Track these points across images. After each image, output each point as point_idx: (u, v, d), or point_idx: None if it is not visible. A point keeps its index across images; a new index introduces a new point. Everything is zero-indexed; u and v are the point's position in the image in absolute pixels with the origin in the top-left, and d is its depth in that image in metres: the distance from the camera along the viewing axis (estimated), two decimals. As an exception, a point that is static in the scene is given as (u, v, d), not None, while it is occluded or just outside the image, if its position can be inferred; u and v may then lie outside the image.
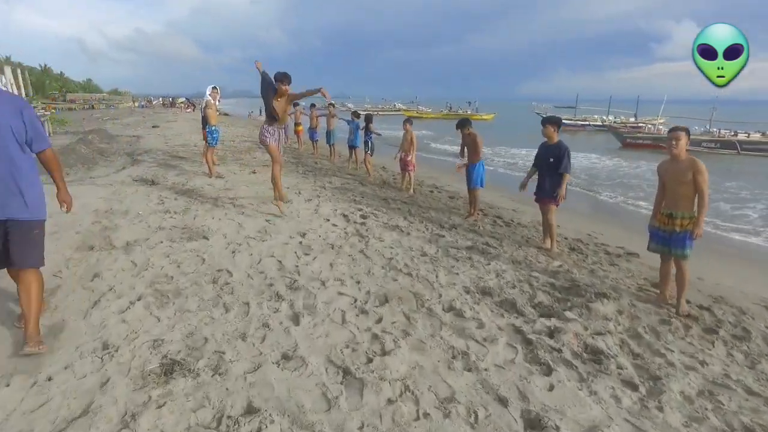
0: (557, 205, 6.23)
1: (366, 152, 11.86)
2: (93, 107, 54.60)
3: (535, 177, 6.47)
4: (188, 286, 4.22)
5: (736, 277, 6.10)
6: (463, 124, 7.95)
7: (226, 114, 49.58)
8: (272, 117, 6.74)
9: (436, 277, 4.81)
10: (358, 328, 3.60)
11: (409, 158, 10.11)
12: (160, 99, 74.20)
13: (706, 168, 4.32)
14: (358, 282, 4.53)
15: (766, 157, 26.39)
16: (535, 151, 6.56)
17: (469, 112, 59.06)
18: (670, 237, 4.56)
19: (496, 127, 44.82)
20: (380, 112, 62.41)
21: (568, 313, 4.08)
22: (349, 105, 73.09)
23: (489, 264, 5.35)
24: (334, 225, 6.64)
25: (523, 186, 6.57)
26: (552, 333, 3.69)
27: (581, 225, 8.62)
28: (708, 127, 30.99)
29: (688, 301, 4.65)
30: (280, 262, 5.00)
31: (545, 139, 6.33)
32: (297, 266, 4.89)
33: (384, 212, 7.79)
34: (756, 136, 28.85)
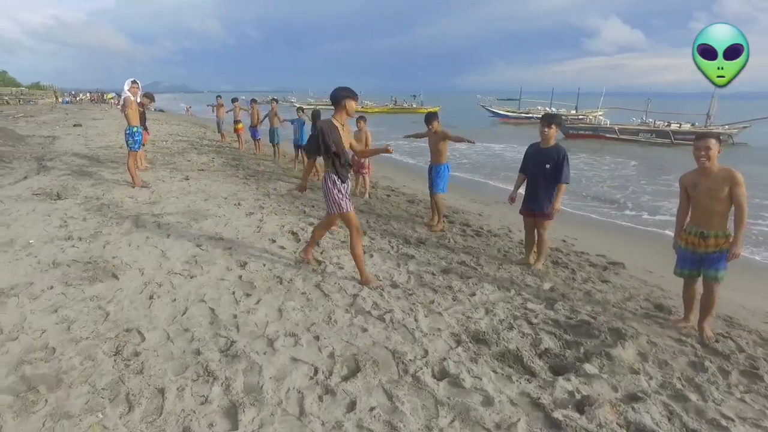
0: (552, 218, 5.40)
1: (313, 154, 10.71)
2: (7, 102, 48.90)
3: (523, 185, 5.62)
4: (76, 366, 2.97)
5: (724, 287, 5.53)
6: (431, 118, 7.00)
7: (161, 111, 46.44)
8: (345, 165, 4.49)
9: (416, 320, 3.83)
10: (323, 425, 2.55)
11: (364, 159, 9.10)
12: (88, 94, 68.58)
13: (743, 178, 3.62)
14: (317, 337, 3.47)
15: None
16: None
17: (414, 106, 58.68)
18: (701, 258, 3.89)
19: (442, 120, 44.36)
20: (323, 107, 60.78)
21: (588, 367, 3.23)
22: (292, 99, 70.71)
23: (473, 295, 4.43)
24: (282, 248, 5.51)
25: (513, 199, 5.65)
26: (581, 405, 2.80)
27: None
28: (644, 119, 32.01)
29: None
30: (212, 310, 3.85)
31: (537, 141, 5.46)
32: (235, 316, 3.76)
33: (339, 225, 6.73)
34: (686, 127, 29.97)
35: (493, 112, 47.58)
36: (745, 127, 28.94)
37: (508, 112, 47.57)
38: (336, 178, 4.39)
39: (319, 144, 4.24)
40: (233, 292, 4.19)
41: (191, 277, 4.48)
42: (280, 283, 4.44)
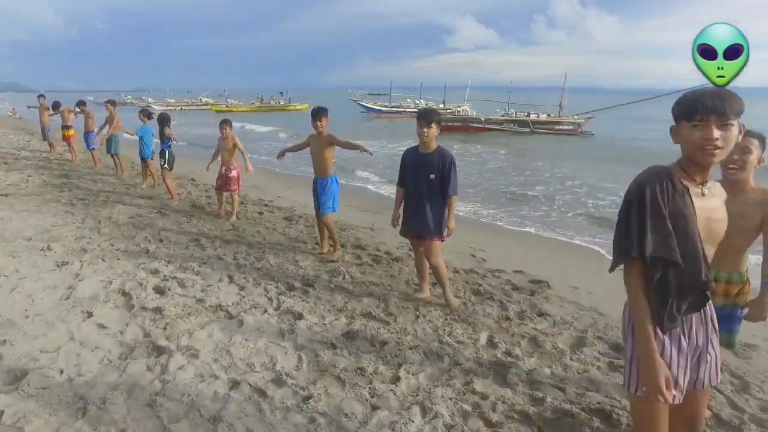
0: (443, 240, 4.26)
1: (162, 166, 8.54)
2: None
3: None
4: None
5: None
6: (319, 114, 5.46)
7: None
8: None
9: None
10: None
11: (233, 173, 7.25)
12: None
13: None
14: None
15: (551, 134, 29.67)
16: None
17: (281, 103, 56.13)
18: None
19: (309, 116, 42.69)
20: (185, 107, 55.44)
21: None
22: (149, 99, 63.27)
23: (397, 380, 3.03)
24: (102, 327, 3.62)
25: (396, 218, 4.45)
26: None
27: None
28: (507, 110, 33.80)
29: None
30: None
31: (415, 145, 4.25)
32: None
33: (197, 269, 4.95)
34: (543, 117, 32.22)
35: (365, 107, 47.16)
36: (590, 118, 31.83)
37: (380, 106, 47.53)
38: None
39: None
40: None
41: None
42: (84, 415, 2.62)
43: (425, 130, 4.01)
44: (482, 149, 21.96)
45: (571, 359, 3.47)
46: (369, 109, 46.40)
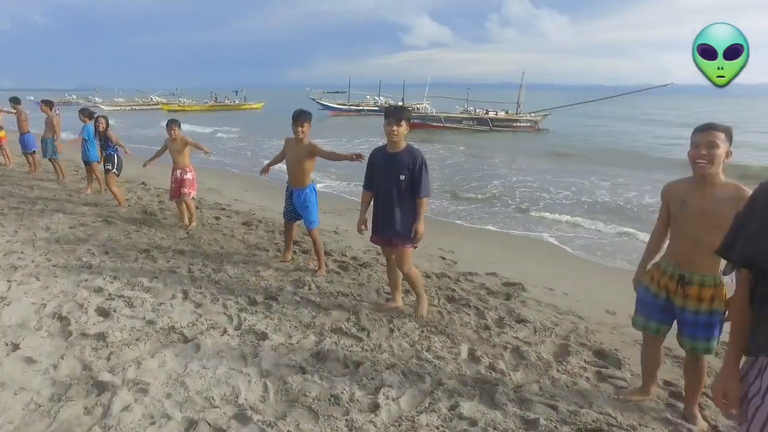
0: (415, 247, 3.99)
1: (110, 170, 7.89)
2: None
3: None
4: None
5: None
6: (302, 118, 4.85)
7: None
8: None
9: None
10: None
11: (188, 176, 6.68)
12: None
13: None
14: None
15: (510, 131, 30.15)
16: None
17: (236, 102, 54.62)
18: (675, 313, 2.68)
19: (268, 117, 41.82)
20: (135, 108, 53.05)
21: None
22: (96, 99, 60.04)
23: (377, 408, 2.72)
24: (31, 361, 3.12)
25: (363, 223, 4.18)
26: None
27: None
28: (466, 107, 34.03)
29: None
30: None
31: (383, 143, 3.96)
32: None
33: (147, 285, 4.48)
34: (502, 114, 32.65)
35: (323, 105, 46.50)
36: (546, 115, 32.49)
37: (339, 104, 46.99)
38: None
39: None
40: None
41: None
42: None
43: (394, 128, 3.72)
44: (440, 147, 21.99)
45: (558, 371, 3.27)
46: (327, 108, 45.79)
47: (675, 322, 2.73)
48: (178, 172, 6.67)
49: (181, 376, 2.95)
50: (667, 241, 2.76)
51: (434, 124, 30.46)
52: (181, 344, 3.35)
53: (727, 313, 2.48)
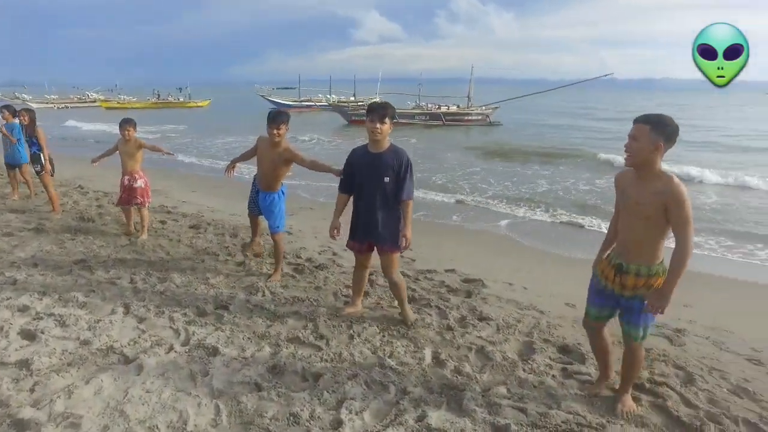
0: (401, 253, 3.83)
1: (39, 172, 7.26)
2: None
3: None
4: None
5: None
6: (280, 119, 4.45)
7: None
8: None
9: None
10: None
11: (139, 183, 6.08)
12: None
13: (687, 195, 2.41)
14: None
15: (463, 125, 30.53)
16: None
17: (181, 100, 52.53)
18: (617, 300, 2.70)
19: (215, 115, 40.50)
20: (70, 105, 49.95)
21: None
22: (24, 96, 55.98)
23: (338, 429, 2.51)
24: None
25: (337, 228, 3.87)
26: None
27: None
28: (418, 102, 34.14)
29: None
30: None
31: (363, 144, 3.76)
32: None
33: (82, 300, 4.08)
34: (453, 108, 32.98)
35: (273, 102, 45.49)
36: (496, 108, 33.09)
37: (289, 101, 46.10)
38: None
39: None
40: None
41: None
42: None
43: (378, 126, 3.47)
44: (395, 142, 21.90)
45: (524, 370, 3.20)
46: (277, 105, 44.84)
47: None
48: (127, 178, 6.06)
49: (120, 403, 2.65)
50: None
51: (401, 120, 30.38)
52: (121, 366, 3.04)
53: (646, 303, 2.54)
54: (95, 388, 2.77)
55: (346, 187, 3.82)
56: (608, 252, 2.82)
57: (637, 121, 2.47)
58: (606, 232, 2.99)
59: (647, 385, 3.04)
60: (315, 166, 4.58)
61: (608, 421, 2.65)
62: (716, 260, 6.99)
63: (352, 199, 3.82)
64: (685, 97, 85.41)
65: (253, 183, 4.97)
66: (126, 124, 5.97)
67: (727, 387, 3.14)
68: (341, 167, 3.95)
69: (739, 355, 3.74)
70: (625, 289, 2.61)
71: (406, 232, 3.65)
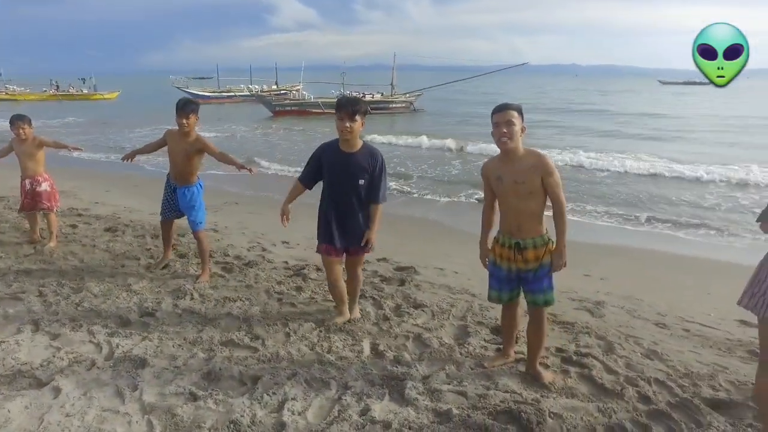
0: (369, 252, 3.73)
1: None
2: None
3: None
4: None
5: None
6: (188, 109, 4.31)
7: None
8: None
9: None
10: None
11: (43, 187, 5.49)
12: None
13: (554, 164, 2.81)
14: None
15: (387, 114, 30.74)
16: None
17: (84, 91, 48.38)
18: (519, 277, 2.94)
19: (125, 107, 37.80)
20: None
21: None
22: None
23: (283, 429, 2.50)
24: None
25: (286, 214, 3.71)
26: None
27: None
28: (342, 91, 33.90)
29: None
30: None
31: (333, 140, 3.52)
32: None
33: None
34: (378, 96, 33.10)
35: (191, 93, 43.16)
36: (419, 95, 33.63)
37: (208, 92, 43.98)
38: None
39: None
40: None
41: None
42: None
43: (348, 124, 3.24)
44: (313, 133, 21.62)
45: (461, 354, 3.31)
46: (195, 96, 42.65)
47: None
48: (28, 182, 5.45)
49: (35, 432, 2.42)
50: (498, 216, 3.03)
51: (314, 110, 29.86)
52: (33, 391, 2.76)
53: (553, 263, 2.85)
54: (2, 420, 2.50)
55: (306, 179, 3.60)
56: (491, 238, 3.06)
57: (505, 107, 2.77)
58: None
59: (574, 357, 3.25)
60: (224, 158, 4.59)
61: (542, 396, 2.80)
62: (619, 232, 7.67)
63: (321, 200, 3.61)
64: (596, 83, 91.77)
65: (167, 183, 4.74)
66: (18, 121, 5.35)
67: (641, 351, 3.43)
68: (245, 162, 4.19)
69: (648, 321, 4.10)
70: (529, 263, 2.85)
71: (372, 235, 3.51)
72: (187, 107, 4.31)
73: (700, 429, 2.54)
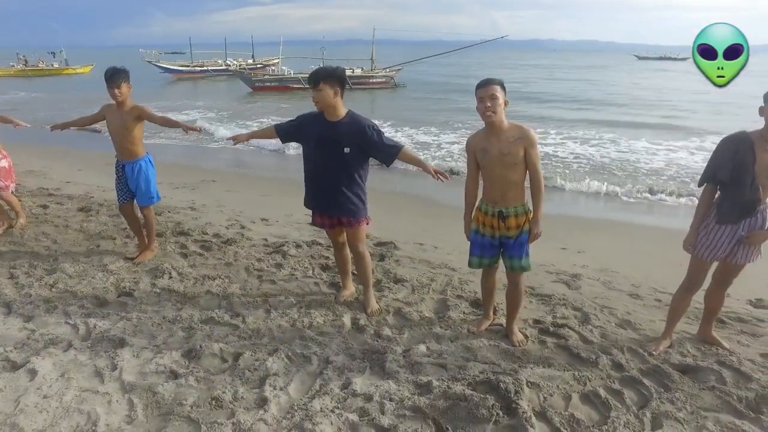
0: (368, 223, 3.61)
1: None
2: None
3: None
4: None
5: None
6: (118, 77, 4.10)
7: None
8: None
9: None
10: None
11: (2, 164, 5.21)
12: None
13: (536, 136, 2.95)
14: None
15: (369, 89, 30.39)
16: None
17: (55, 66, 46.55)
18: (501, 244, 3.10)
19: (99, 82, 36.37)
20: None
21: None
22: None
23: (264, 406, 2.46)
24: None
25: (241, 140, 3.69)
26: None
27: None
28: (322, 66, 33.29)
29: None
30: None
31: (317, 111, 3.33)
32: None
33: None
34: (358, 71, 32.62)
35: (163, 68, 41.85)
36: (399, 69, 33.24)
37: (181, 67, 42.67)
38: None
39: None
40: None
41: None
42: None
43: (313, 94, 3.17)
44: (308, 110, 21.25)
45: (441, 327, 3.36)
46: (169, 71, 41.32)
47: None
48: None
49: (10, 416, 2.38)
50: (481, 187, 3.13)
51: (294, 86, 29.27)
52: (7, 374, 2.71)
53: (534, 233, 3.01)
54: (-23, 403, 2.46)
55: (281, 131, 3.51)
56: (475, 208, 3.17)
57: (488, 82, 2.84)
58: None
59: (551, 329, 3.33)
60: (167, 122, 4.56)
61: (520, 366, 2.87)
62: (597, 205, 7.80)
63: (305, 171, 3.48)
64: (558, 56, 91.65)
65: (116, 164, 4.54)
66: None
67: (615, 321, 3.53)
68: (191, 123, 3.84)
69: (622, 292, 4.20)
70: (511, 230, 3.01)
71: (427, 166, 3.26)
72: (116, 76, 4.10)
73: (668, 392, 2.65)
